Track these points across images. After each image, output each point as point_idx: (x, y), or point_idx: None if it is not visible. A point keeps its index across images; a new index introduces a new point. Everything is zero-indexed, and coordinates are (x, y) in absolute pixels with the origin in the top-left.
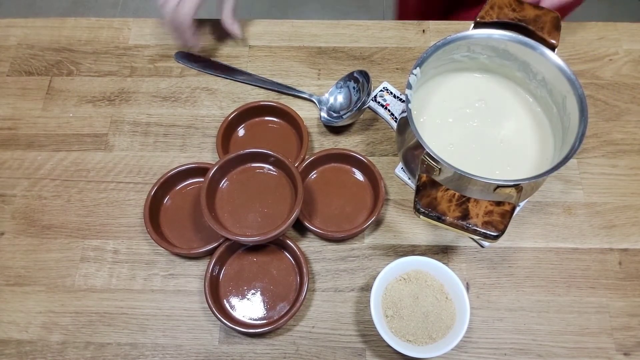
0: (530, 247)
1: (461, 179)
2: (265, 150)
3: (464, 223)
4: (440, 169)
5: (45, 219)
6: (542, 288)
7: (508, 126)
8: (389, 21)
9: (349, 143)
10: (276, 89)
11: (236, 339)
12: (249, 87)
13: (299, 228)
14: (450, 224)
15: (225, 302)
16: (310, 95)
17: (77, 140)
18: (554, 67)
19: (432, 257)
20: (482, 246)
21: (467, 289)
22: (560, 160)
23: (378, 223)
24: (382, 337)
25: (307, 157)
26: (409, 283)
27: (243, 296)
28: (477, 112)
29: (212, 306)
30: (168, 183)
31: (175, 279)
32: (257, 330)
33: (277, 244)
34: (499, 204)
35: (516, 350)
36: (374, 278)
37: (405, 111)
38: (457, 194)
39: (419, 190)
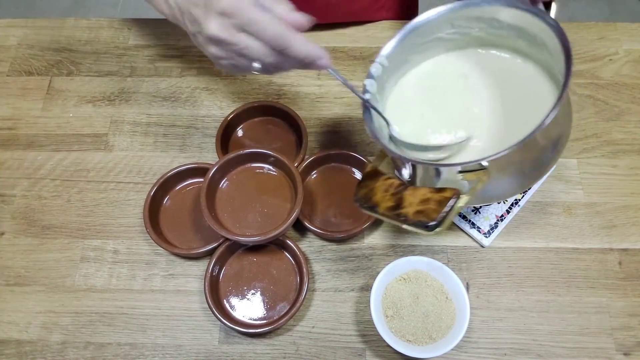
0: (530, 247)
1: (422, 167)
2: (265, 150)
3: (395, 213)
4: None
5: (45, 219)
6: (542, 288)
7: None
8: (388, 21)
9: (349, 143)
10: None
11: (236, 339)
12: (249, 87)
13: (299, 228)
14: (382, 215)
15: (225, 302)
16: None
17: (77, 140)
18: (545, 27)
19: (432, 257)
20: (482, 246)
21: (467, 289)
22: (530, 132)
23: (378, 223)
24: (382, 337)
25: (307, 157)
26: (409, 283)
27: (243, 296)
28: (460, 91)
29: (212, 306)
30: (168, 183)
31: (175, 279)
32: (257, 330)
33: (277, 244)
34: (439, 190)
35: (516, 350)
36: (374, 278)
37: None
38: (396, 182)
39: (361, 181)
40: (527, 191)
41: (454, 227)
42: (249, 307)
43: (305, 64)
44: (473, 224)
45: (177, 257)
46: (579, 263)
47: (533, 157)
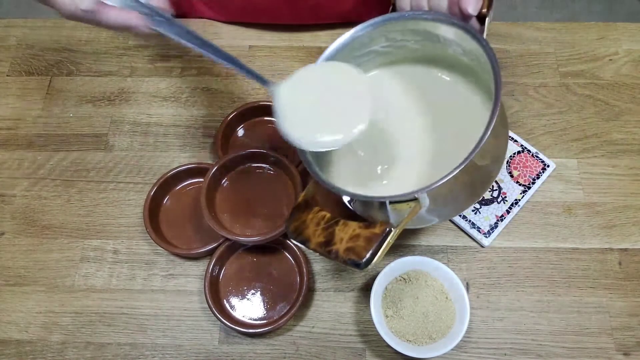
0: (530, 247)
1: (353, 199)
2: (265, 150)
3: (326, 250)
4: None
5: (45, 219)
6: (542, 288)
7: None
8: None
9: None
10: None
11: (236, 339)
12: (249, 87)
13: None
14: (314, 250)
15: (225, 302)
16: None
17: (77, 140)
18: (460, 34)
19: (432, 257)
20: (482, 246)
21: (467, 289)
22: (461, 162)
23: None
24: (382, 337)
25: None
26: (409, 283)
27: (243, 296)
28: (393, 112)
29: (212, 306)
30: (168, 183)
31: (175, 279)
32: (257, 330)
33: (277, 244)
34: (368, 226)
35: (516, 350)
36: (374, 278)
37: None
38: (327, 215)
39: (292, 212)
40: (527, 191)
41: (454, 227)
42: (249, 307)
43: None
44: (473, 224)
45: (177, 257)
46: (579, 263)
47: (470, 180)
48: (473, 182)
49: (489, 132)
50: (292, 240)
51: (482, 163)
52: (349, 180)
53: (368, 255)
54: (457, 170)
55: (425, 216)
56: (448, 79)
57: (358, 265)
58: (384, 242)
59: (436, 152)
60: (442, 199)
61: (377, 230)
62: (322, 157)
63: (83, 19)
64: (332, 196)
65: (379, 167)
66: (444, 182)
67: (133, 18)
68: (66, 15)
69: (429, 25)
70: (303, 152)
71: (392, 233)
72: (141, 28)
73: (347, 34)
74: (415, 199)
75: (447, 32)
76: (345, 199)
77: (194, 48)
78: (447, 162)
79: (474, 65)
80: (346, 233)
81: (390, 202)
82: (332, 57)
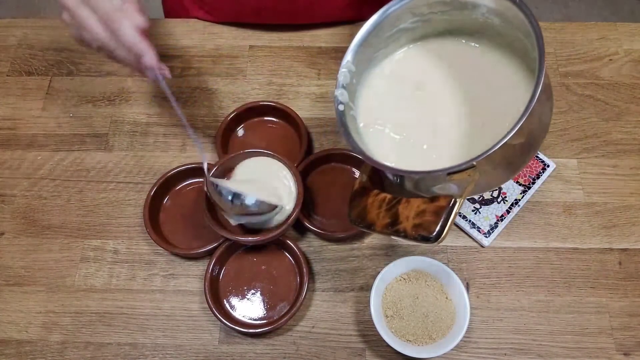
0: (530, 247)
1: (403, 177)
2: (265, 150)
3: (393, 230)
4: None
5: (45, 219)
6: (542, 288)
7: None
8: None
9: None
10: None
11: (236, 339)
12: (249, 87)
13: (299, 228)
14: (381, 232)
15: (225, 302)
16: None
17: (77, 140)
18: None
19: (432, 257)
20: (482, 246)
21: (467, 289)
22: (519, 117)
23: None
24: (382, 337)
25: (307, 157)
26: (409, 283)
27: (243, 296)
28: (425, 93)
29: (212, 306)
30: (168, 183)
31: (175, 279)
32: (257, 330)
33: (277, 244)
34: (433, 199)
35: (516, 350)
36: (374, 278)
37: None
38: (388, 197)
39: (351, 200)
40: (527, 191)
41: (454, 227)
42: (249, 307)
43: (135, 57)
44: (473, 224)
45: (177, 257)
46: (579, 263)
47: (520, 145)
48: (517, 151)
49: (537, 93)
50: (292, 241)
51: (526, 130)
52: (398, 163)
53: (438, 229)
54: (510, 135)
55: (481, 183)
56: (477, 46)
57: (429, 240)
58: (451, 213)
59: (474, 122)
60: (489, 168)
61: (442, 202)
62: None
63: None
64: (387, 179)
65: (424, 145)
66: (497, 148)
67: (145, 45)
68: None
69: None
70: (349, 136)
71: (457, 204)
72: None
73: (374, 17)
74: (473, 167)
75: None
76: (407, 181)
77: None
78: (486, 131)
79: (505, 28)
80: (411, 210)
81: (449, 174)
82: (364, 41)
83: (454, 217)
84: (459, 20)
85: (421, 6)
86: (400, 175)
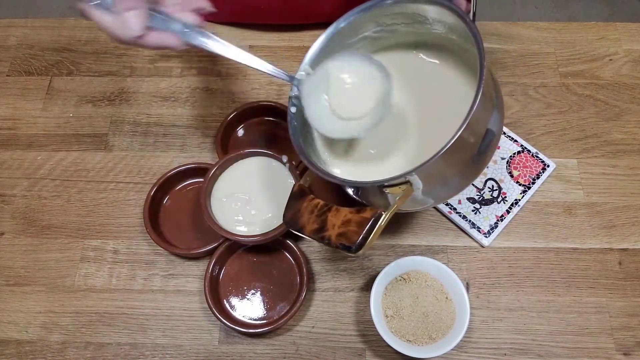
0: (530, 247)
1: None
2: (265, 150)
3: (319, 236)
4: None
5: (45, 219)
6: (542, 288)
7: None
8: None
9: None
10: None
11: (236, 339)
12: (249, 87)
13: None
14: (309, 237)
15: (225, 302)
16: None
17: (77, 140)
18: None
19: (432, 257)
20: (482, 246)
21: (467, 289)
22: (447, 143)
23: None
24: (382, 337)
25: None
26: (409, 283)
27: (243, 296)
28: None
29: (212, 306)
30: (168, 183)
31: (175, 279)
32: (257, 330)
33: (277, 244)
34: (359, 210)
35: (516, 350)
36: (374, 278)
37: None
38: (320, 203)
39: (288, 201)
40: (527, 191)
41: (454, 227)
42: (249, 307)
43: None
44: (473, 224)
45: (177, 257)
46: (579, 263)
47: (462, 159)
48: (465, 162)
49: (475, 107)
50: (292, 241)
51: (472, 140)
52: (346, 164)
53: (359, 240)
54: (445, 148)
55: (421, 198)
56: (437, 62)
57: (349, 249)
58: (375, 226)
59: (427, 135)
60: (435, 180)
61: (367, 214)
62: (317, 144)
63: (131, 43)
64: (327, 184)
65: (374, 154)
66: (432, 162)
67: (168, 38)
68: (119, 41)
69: (414, 6)
70: (295, 138)
71: (382, 217)
72: (177, 46)
73: (338, 21)
74: (407, 182)
75: (432, 12)
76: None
77: (226, 57)
78: (437, 143)
79: (461, 45)
80: (338, 219)
81: (384, 186)
82: (325, 45)
83: (379, 229)
84: (422, 33)
85: (384, 16)
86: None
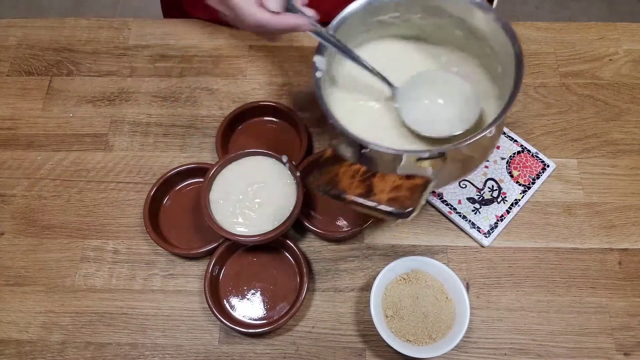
0: (530, 247)
1: (375, 153)
2: (265, 150)
3: (366, 200)
4: (346, 144)
5: (45, 219)
6: (542, 288)
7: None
8: None
9: None
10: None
11: (236, 339)
12: (249, 87)
13: (299, 228)
14: (351, 202)
15: (225, 302)
16: None
17: (77, 140)
18: (486, 17)
19: (432, 257)
20: (482, 246)
21: (467, 289)
22: (492, 121)
23: (378, 223)
24: (382, 337)
25: (307, 157)
26: (409, 283)
27: (243, 296)
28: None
29: (212, 306)
30: (168, 183)
31: (175, 279)
32: (257, 330)
33: (277, 244)
34: (409, 177)
35: (516, 350)
36: (374, 278)
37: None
38: (362, 169)
39: (322, 165)
40: (527, 191)
41: (454, 227)
42: (249, 307)
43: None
44: (473, 224)
45: (177, 257)
46: (579, 263)
47: (480, 145)
48: (472, 156)
49: (507, 111)
50: (292, 241)
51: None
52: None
53: (412, 205)
54: (485, 133)
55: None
56: (445, 59)
57: (401, 215)
58: (424, 192)
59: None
60: (451, 163)
61: (418, 181)
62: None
63: (262, 27)
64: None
65: (396, 130)
66: (472, 141)
67: (297, 19)
68: (249, 24)
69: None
70: (322, 101)
71: (430, 184)
72: (305, 27)
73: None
74: (443, 155)
75: (456, 7)
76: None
77: (336, 51)
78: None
79: (475, 43)
80: (386, 184)
81: (419, 159)
82: (346, 20)
83: (425, 197)
84: (436, 28)
85: (403, 5)
86: (373, 152)
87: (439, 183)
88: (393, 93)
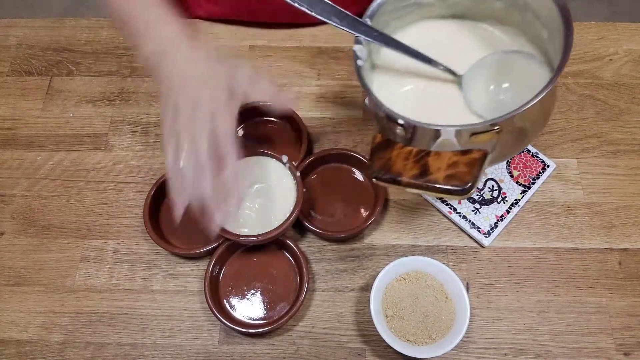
0: (530, 247)
1: (426, 134)
2: (265, 150)
3: (423, 180)
4: (401, 126)
5: (45, 219)
6: (542, 288)
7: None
8: None
9: (349, 143)
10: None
11: (236, 339)
12: None
13: (299, 228)
14: (408, 185)
15: (225, 302)
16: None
17: (77, 140)
18: None
19: (432, 257)
20: (482, 246)
21: (467, 289)
22: (546, 84)
23: (378, 223)
24: (382, 337)
25: (307, 157)
26: (409, 283)
27: (243, 296)
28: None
29: (212, 306)
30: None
31: (175, 279)
32: (257, 330)
33: (277, 244)
34: (465, 152)
35: (516, 350)
36: (374, 278)
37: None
38: (415, 149)
39: (373, 152)
40: (527, 191)
41: (454, 227)
42: (249, 307)
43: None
44: (473, 224)
45: (177, 257)
46: (579, 263)
47: (531, 115)
48: (525, 127)
49: (559, 75)
50: (292, 241)
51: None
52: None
53: (471, 179)
54: (537, 100)
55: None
56: (491, 32)
57: (462, 191)
58: (482, 165)
59: (490, 94)
60: (508, 135)
61: (476, 155)
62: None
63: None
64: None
65: (442, 108)
66: (524, 110)
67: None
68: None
69: None
70: (364, 83)
71: (488, 157)
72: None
73: None
74: (498, 128)
75: None
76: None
77: (375, 43)
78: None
79: (520, 13)
80: (442, 162)
81: (473, 134)
82: (381, 6)
83: (483, 172)
84: (476, 5)
85: None
86: (425, 130)
87: (495, 156)
88: (457, 81)
